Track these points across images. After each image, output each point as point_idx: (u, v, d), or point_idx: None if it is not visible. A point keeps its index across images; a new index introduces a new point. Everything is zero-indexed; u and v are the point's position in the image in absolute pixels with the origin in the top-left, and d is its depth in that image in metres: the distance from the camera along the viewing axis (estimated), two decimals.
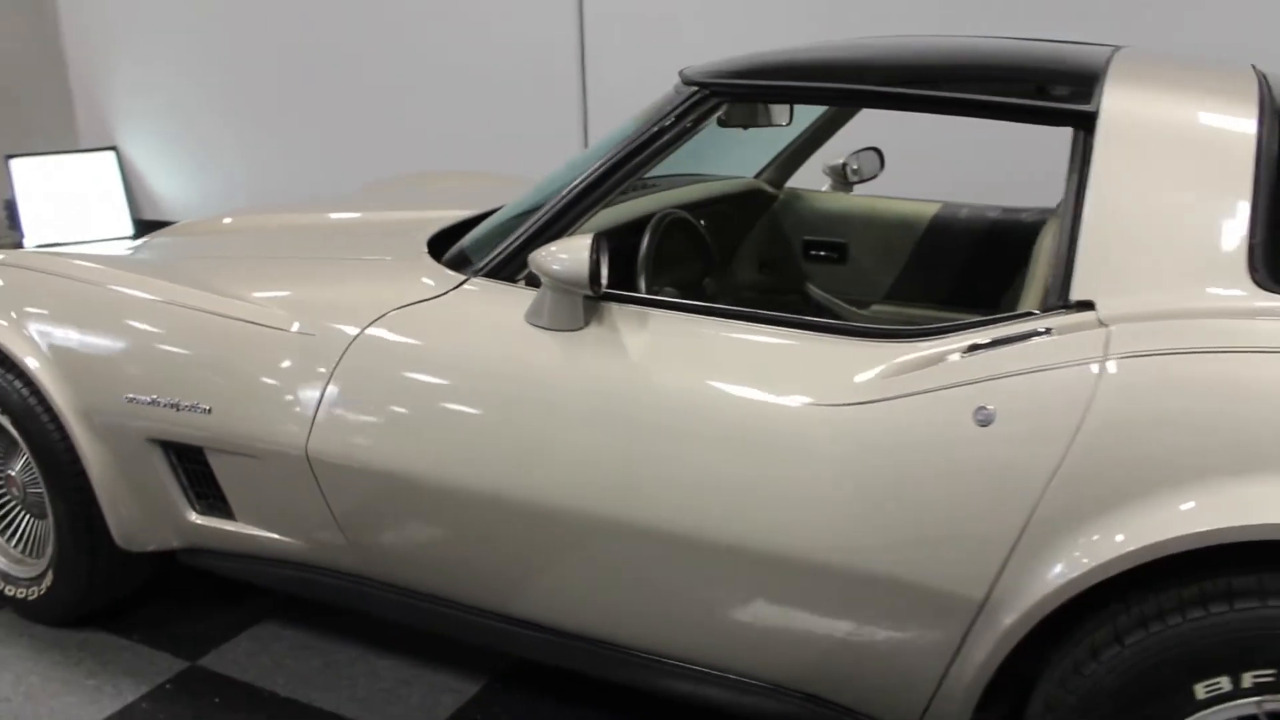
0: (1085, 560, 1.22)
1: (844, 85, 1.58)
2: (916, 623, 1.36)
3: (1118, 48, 1.73)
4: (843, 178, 2.79)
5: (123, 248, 2.65)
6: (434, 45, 5.49)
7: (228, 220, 2.78)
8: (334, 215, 2.58)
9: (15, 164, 6.72)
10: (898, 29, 3.91)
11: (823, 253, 2.75)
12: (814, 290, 2.77)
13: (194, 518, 2.09)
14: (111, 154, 7.20)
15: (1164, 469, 1.21)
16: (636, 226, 2.14)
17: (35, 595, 2.29)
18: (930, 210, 2.60)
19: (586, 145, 4.86)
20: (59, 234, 6.58)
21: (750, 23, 4.54)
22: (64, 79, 7.18)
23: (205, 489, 2.06)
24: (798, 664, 1.50)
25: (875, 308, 2.71)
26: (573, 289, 1.59)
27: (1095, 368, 1.26)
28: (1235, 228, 1.29)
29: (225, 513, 2.06)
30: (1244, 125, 1.35)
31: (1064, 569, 1.24)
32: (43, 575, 2.27)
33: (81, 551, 2.17)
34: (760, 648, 1.52)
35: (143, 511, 2.11)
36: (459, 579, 1.81)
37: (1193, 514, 1.18)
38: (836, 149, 2.80)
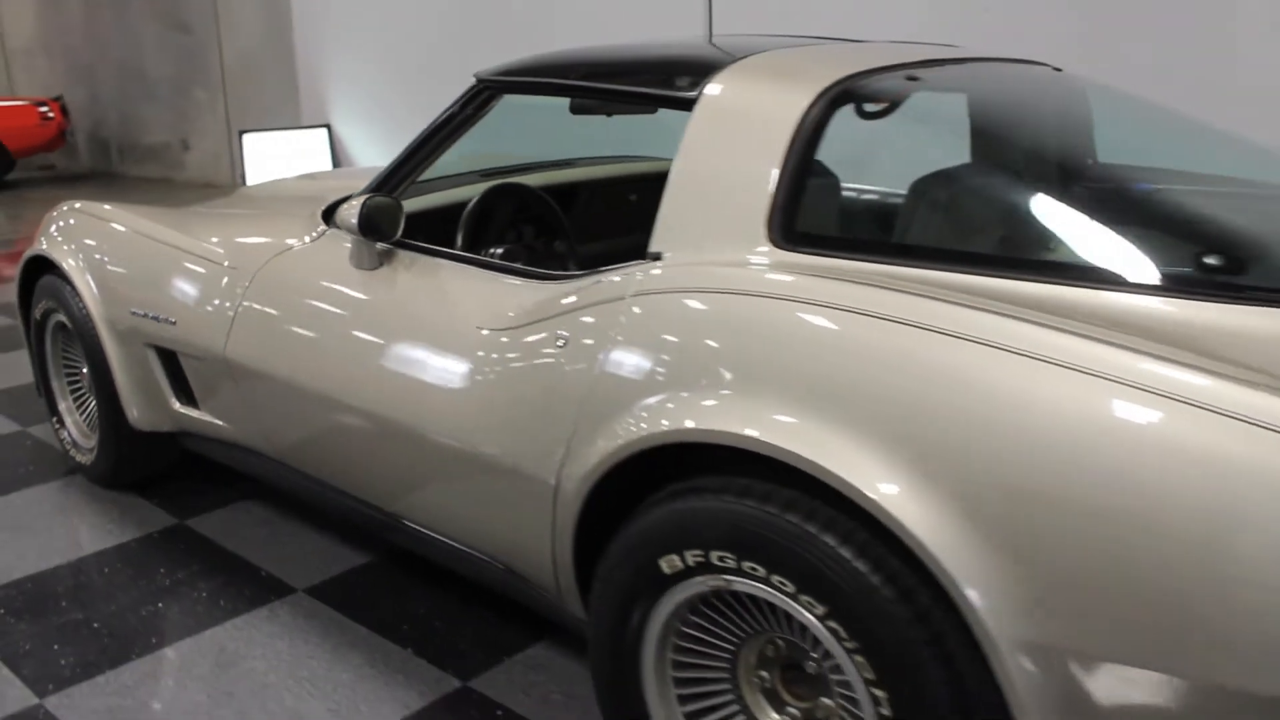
0: (592, 459, 1.55)
1: (536, 79, 1.95)
2: (527, 500, 1.72)
3: (820, 40, 1.97)
4: None
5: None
6: (577, 38, 6.11)
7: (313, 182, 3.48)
8: (334, 182, 3.17)
9: (247, 138, 7.92)
10: None
11: None
12: None
13: (176, 407, 2.72)
14: (324, 130, 8.30)
15: (653, 384, 1.50)
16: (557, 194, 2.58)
17: (90, 461, 3.04)
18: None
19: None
20: None
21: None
22: (292, 68, 8.32)
23: (183, 384, 2.70)
24: (474, 530, 1.90)
25: None
26: (361, 238, 2.06)
27: (623, 303, 1.59)
28: (763, 195, 1.55)
29: (195, 403, 2.68)
30: (792, 108, 1.59)
31: (583, 465, 1.58)
32: (95, 447, 3.01)
33: (110, 429, 2.88)
34: (450, 515, 1.93)
35: (145, 400, 2.78)
36: (307, 455, 2.33)
37: (659, 419, 1.47)
38: None
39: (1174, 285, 1.33)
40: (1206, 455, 1.11)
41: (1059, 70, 2.18)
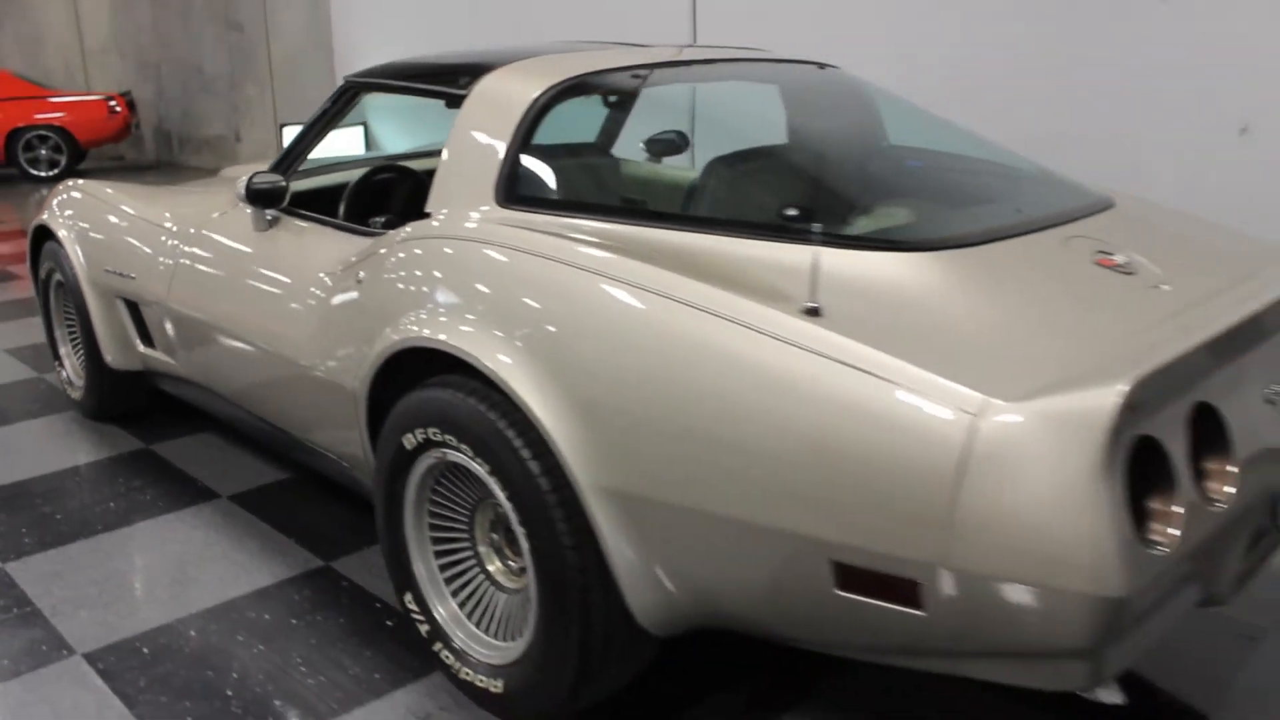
0: (365, 367, 2.06)
1: (383, 80, 2.46)
2: (342, 405, 2.22)
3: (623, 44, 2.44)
4: (655, 151, 3.52)
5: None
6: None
7: None
8: None
9: (286, 130, 8.55)
10: None
11: None
12: None
13: (141, 349, 3.30)
14: (360, 128, 8.91)
15: (403, 308, 1.99)
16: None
17: (81, 398, 3.65)
18: (691, 176, 3.28)
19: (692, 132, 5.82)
20: None
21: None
22: (331, 65, 8.96)
23: (144, 329, 3.27)
24: (327, 436, 2.41)
25: None
26: (253, 207, 2.60)
27: (394, 249, 2.09)
28: (493, 166, 2.03)
29: (153, 345, 3.26)
30: (523, 99, 2.07)
31: (361, 371, 2.08)
32: (83, 385, 3.61)
33: (94, 370, 3.48)
34: (312, 425, 2.44)
35: (117, 344, 3.36)
36: (223, 382, 2.87)
37: (398, 334, 1.96)
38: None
39: (756, 232, 1.77)
40: (712, 345, 1.56)
41: (823, 66, 2.61)
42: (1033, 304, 1.67)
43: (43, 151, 9.92)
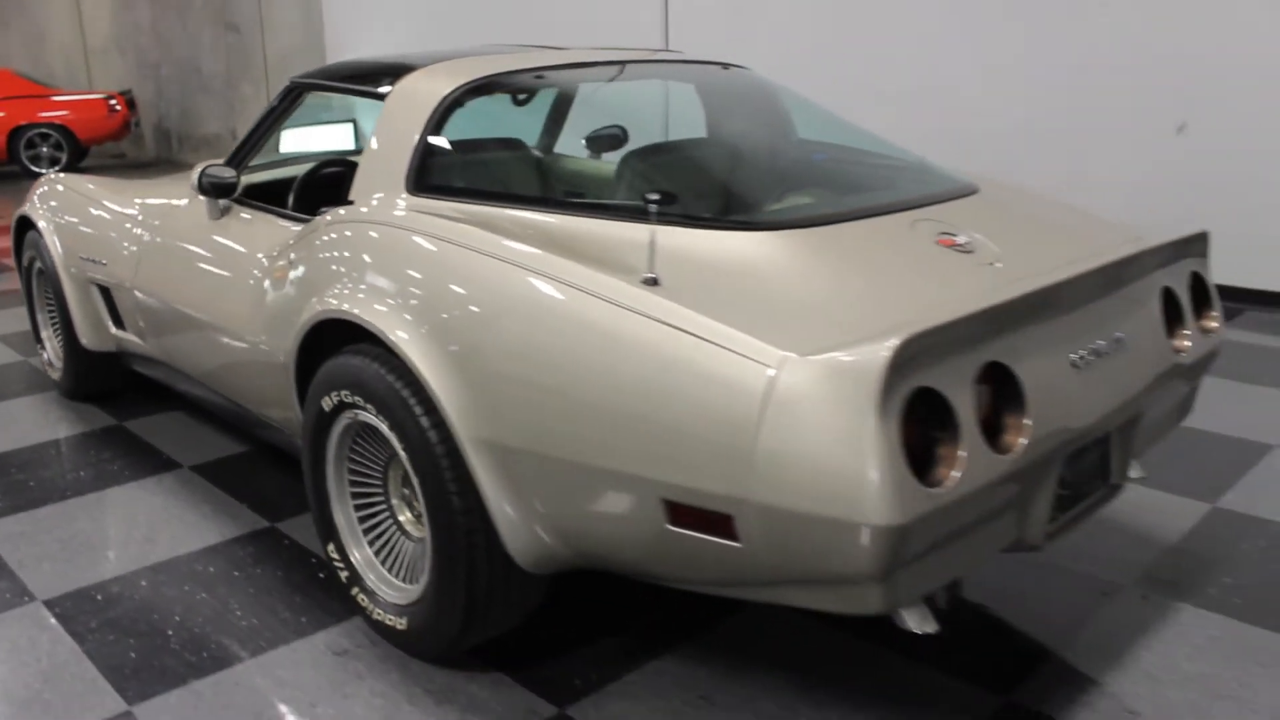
0: (290, 339, 2.29)
1: (323, 81, 2.69)
2: (278, 376, 2.46)
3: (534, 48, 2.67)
4: (595, 147, 3.74)
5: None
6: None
7: None
8: None
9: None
10: None
11: None
12: None
13: (113, 331, 3.54)
14: (350, 124, 9.17)
15: (324, 285, 2.22)
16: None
17: (58, 378, 3.90)
18: (607, 168, 3.50)
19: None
20: None
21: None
22: (324, 64, 9.18)
23: (116, 312, 3.51)
24: (273, 407, 2.64)
25: None
26: (206, 197, 2.84)
27: (317, 233, 2.32)
28: (405, 158, 2.26)
29: (124, 328, 3.50)
30: (433, 97, 2.30)
31: (288, 343, 2.31)
32: (62, 367, 3.86)
33: (70, 351, 3.72)
34: (262, 398, 2.67)
35: (92, 327, 3.60)
36: (184, 360, 3.11)
37: (318, 307, 2.19)
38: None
39: (620, 214, 1.99)
40: (565, 311, 1.78)
41: (727, 67, 2.84)
42: (860, 276, 1.89)
43: (44, 149, 10.20)
